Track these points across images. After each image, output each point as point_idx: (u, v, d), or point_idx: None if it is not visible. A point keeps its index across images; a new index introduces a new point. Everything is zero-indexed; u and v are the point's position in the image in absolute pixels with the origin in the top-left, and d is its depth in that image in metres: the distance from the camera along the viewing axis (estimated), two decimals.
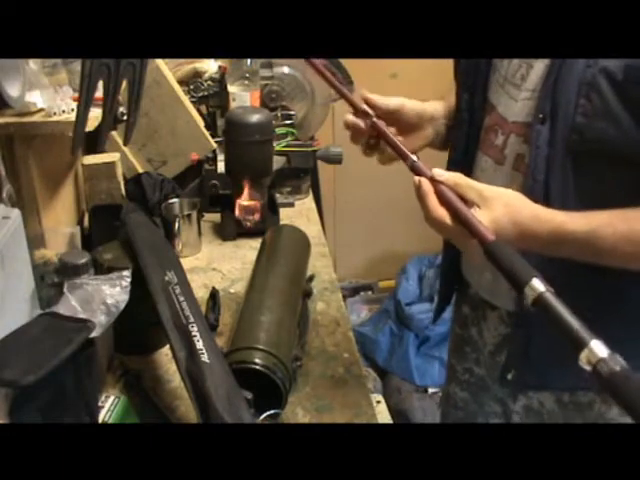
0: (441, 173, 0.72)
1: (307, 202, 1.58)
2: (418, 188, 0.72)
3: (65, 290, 0.80)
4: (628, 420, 0.90)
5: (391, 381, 2.17)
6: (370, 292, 2.75)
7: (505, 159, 0.86)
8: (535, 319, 0.84)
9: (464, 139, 0.94)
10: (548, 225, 0.71)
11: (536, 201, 0.74)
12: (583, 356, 0.56)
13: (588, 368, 0.56)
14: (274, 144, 1.37)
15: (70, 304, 0.78)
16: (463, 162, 0.94)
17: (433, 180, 0.72)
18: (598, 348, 0.56)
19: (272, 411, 0.81)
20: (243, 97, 1.50)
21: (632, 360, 0.87)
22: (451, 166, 0.97)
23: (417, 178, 0.73)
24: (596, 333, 0.71)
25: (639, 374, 0.55)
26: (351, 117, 0.88)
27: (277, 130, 1.47)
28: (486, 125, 0.90)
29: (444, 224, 0.70)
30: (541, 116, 0.77)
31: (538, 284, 0.62)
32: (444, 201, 0.71)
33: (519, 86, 0.84)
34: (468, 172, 0.92)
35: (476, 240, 0.68)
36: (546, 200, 0.77)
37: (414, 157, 0.76)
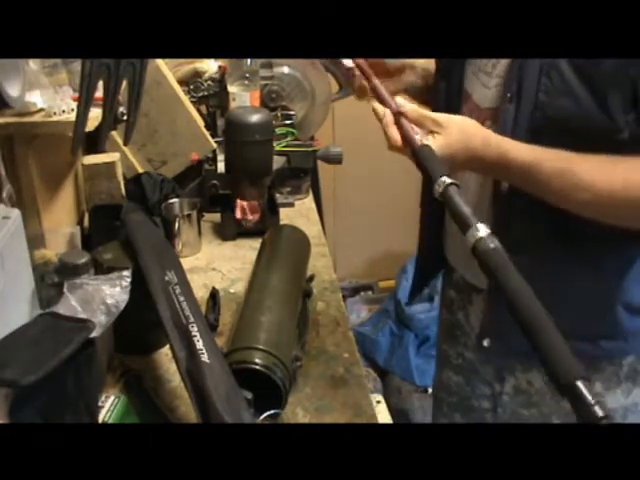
0: (403, 104, 0.80)
1: (307, 202, 1.58)
2: (381, 118, 0.82)
3: (65, 290, 0.80)
4: (612, 394, 0.93)
5: (391, 381, 2.17)
6: (370, 292, 2.75)
7: None
8: None
9: None
10: (495, 151, 0.78)
11: None
12: (468, 235, 0.66)
13: (470, 245, 0.65)
14: (274, 144, 1.37)
15: (70, 304, 0.78)
16: None
17: (397, 111, 0.80)
18: (480, 229, 0.65)
19: (272, 411, 0.81)
20: (243, 97, 1.49)
21: (601, 326, 0.90)
22: None
23: (382, 109, 0.82)
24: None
25: (504, 253, 0.64)
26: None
27: (277, 130, 1.47)
28: (463, 113, 0.93)
29: (401, 149, 0.80)
30: (509, 95, 0.82)
31: (445, 179, 0.72)
32: (400, 129, 0.80)
33: (490, 73, 0.87)
34: None
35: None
36: None
37: (376, 80, 0.86)
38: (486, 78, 0.88)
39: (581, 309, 0.88)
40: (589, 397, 0.52)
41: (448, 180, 0.72)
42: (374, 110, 0.83)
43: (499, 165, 0.78)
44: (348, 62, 0.98)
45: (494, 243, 0.64)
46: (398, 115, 0.80)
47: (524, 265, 0.85)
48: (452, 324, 1.11)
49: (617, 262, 0.88)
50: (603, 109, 0.75)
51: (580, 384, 0.52)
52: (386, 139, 0.81)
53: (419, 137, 0.78)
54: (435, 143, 0.77)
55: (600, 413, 0.51)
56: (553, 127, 0.79)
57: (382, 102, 0.84)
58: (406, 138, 0.79)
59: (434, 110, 0.99)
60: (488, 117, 0.88)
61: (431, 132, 0.79)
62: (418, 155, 0.77)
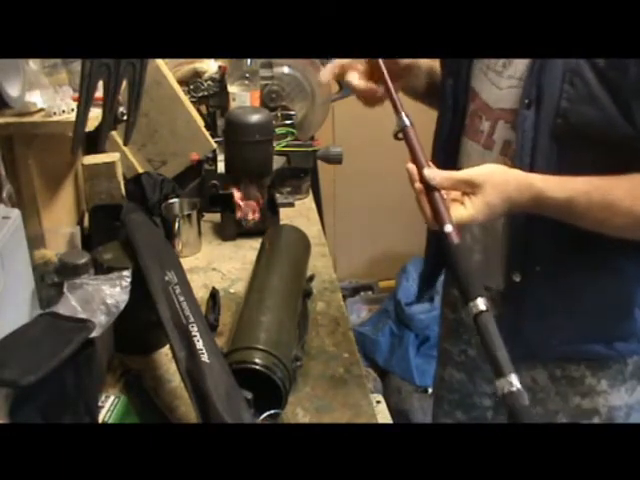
0: (433, 177, 0.76)
1: (307, 202, 1.58)
2: (413, 186, 0.78)
3: (65, 290, 0.80)
4: (616, 391, 0.94)
5: (391, 381, 2.17)
6: (370, 292, 2.74)
7: (494, 144, 0.89)
8: (525, 295, 0.90)
9: (448, 125, 0.97)
10: (528, 193, 0.77)
11: None
12: (499, 383, 0.66)
13: (499, 392, 0.66)
14: (274, 144, 1.37)
15: (70, 304, 0.78)
16: (448, 147, 0.97)
17: (426, 184, 0.77)
18: (513, 381, 0.65)
19: (272, 411, 0.81)
20: (243, 97, 1.50)
21: (618, 329, 0.91)
22: (436, 151, 1.00)
23: (417, 185, 0.77)
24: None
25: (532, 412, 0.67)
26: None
27: (277, 130, 1.47)
28: (470, 111, 0.93)
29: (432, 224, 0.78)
30: (527, 101, 0.81)
31: (481, 303, 0.69)
32: (431, 204, 0.77)
33: (501, 73, 0.87)
34: (453, 156, 0.97)
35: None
36: None
37: (407, 120, 0.80)
38: (496, 77, 0.88)
39: (599, 313, 0.89)
40: None
41: (483, 306, 0.69)
42: (408, 171, 0.79)
43: (534, 206, 0.78)
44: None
45: (525, 400, 0.65)
46: (430, 189, 0.77)
47: (544, 273, 0.86)
48: (455, 322, 1.11)
49: (634, 266, 0.88)
50: (627, 117, 0.75)
51: None
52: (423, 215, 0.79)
53: (452, 229, 0.75)
54: (474, 207, 0.76)
55: None
56: (575, 134, 0.79)
57: (414, 160, 0.79)
58: (439, 221, 0.76)
59: (441, 108, 0.99)
60: (501, 117, 0.87)
61: (466, 194, 0.77)
62: (453, 256, 0.75)
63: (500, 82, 0.87)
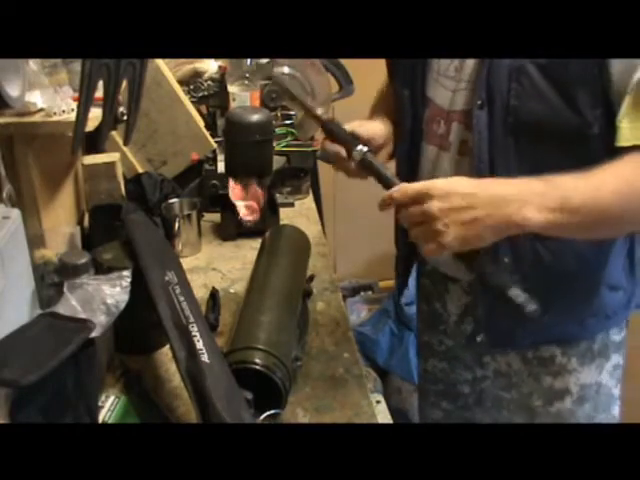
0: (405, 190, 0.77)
1: (307, 202, 1.58)
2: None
3: (65, 290, 0.80)
4: (587, 369, 0.98)
5: (391, 381, 2.17)
6: (370, 292, 2.74)
7: (450, 145, 0.91)
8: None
9: (408, 133, 0.99)
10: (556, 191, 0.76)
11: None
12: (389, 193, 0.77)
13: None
14: (274, 144, 1.37)
15: (70, 304, 0.78)
16: (409, 153, 0.99)
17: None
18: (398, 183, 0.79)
19: (272, 411, 0.81)
20: (243, 97, 1.50)
21: (588, 307, 0.94)
22: (399, 159, 1.02)
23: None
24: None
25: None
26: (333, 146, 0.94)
27: (277, 130, 1.47)
28: (427, 117, 0.95)
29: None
30: (479, 102, 0.84)
31: (361, 148, 0.85)
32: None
33: (454, 77, 0.89)
34: (414, 162, 0.99)
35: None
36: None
37: (364, 148, 0.87)
38: (449, 82, 0.90)
39: (569, 297, 0.93)
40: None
41: (365, 148, 0.84)
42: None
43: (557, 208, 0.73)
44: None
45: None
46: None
47: (512, 264, 0.88)
48: (431, 313, 1.13)
49: (599, 250, 0.91)
50: (572, 108, 0.78)
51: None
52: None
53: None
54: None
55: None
56: (528, 129, 0.82)
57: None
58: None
59: (398, 118, 1.01)
60: (455, 119, 0.90)
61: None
62: (330, 131, 0.88)
63: (452, 86, 0.90)
